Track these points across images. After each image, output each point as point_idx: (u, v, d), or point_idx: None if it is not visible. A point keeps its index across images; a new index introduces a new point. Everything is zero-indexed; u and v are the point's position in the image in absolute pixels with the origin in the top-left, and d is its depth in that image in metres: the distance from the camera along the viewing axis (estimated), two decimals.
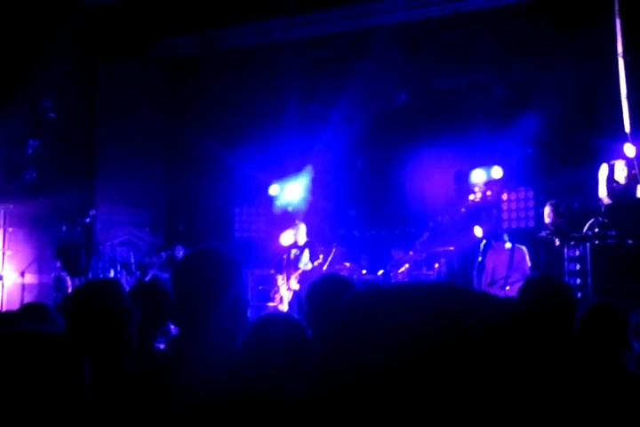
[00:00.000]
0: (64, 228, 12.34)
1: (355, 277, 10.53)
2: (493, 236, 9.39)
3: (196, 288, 2.08)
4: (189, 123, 13.90)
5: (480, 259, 9.20)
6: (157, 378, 2.07)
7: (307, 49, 13.32)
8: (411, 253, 11.18)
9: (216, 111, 13.97)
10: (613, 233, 7.95)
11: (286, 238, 11.22)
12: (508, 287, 8.52)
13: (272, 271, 11.35)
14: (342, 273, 9.68)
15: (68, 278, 11.40)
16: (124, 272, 12.25)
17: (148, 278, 11.42)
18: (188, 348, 2.06)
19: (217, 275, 2.10)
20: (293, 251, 10.69)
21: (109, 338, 2.47)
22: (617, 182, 8.56)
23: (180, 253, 11.69)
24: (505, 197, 11.41)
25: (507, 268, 8.89)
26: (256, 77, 13.43)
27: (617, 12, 9.77)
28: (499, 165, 11.27)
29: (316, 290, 3.31)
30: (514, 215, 11.30)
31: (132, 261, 12.66)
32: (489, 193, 11.41)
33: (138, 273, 12.22)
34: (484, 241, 9.42)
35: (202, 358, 1.98)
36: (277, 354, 2.25)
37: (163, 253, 12.24)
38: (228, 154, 12.98)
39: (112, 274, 12.13)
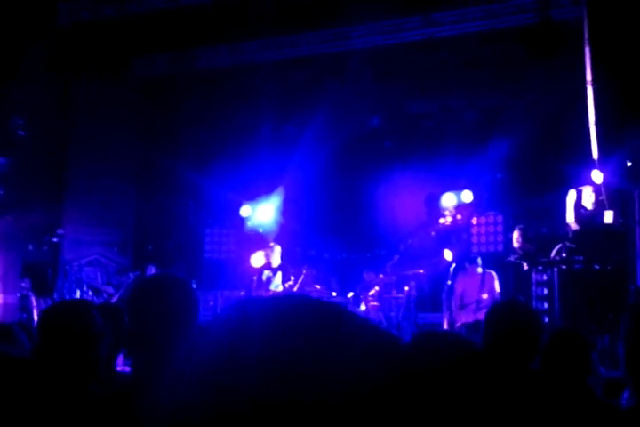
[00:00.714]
0: (30, 247, 12.14)
1: (325, 299, 10.45)
2: (467, 259, 9.41)
3: (153, 317, 2.02)
4: (161, 142, 13.82)
5: (449, 282, 9.21)
6: (124, 401, 2.03)
7: (281, 71, 13.36)
8: (381, 275, 11.17)
9: (188, 131, 13.92)
10: (580, 258, 8.04)
11: (257, 260, 11.15)
12: (480, 312, 8.52)
13: (242, 293, 11.26)
14: (312, 295, 9.63)
15: (34, 298, 11.18)
16: (91, 292, 12.05)
17: (115, 299, 11.24)
18: (148, 375, 2.01)
19: (175, 303, 2.05)
20: (266, 272, 10.62)
21: (79, 360, 2.42)
22: (584, 208, 8.66)
23: (152, 273, 11.48)
24: (474, 221, 11.48)
25: (478, 292, 8.90)
26: (230, 98, 13.43)
27: (586, 41, 9.94)
28: (469, 189, 11.36)
29: None
30: (483, 239, 11.36)
31: (100, 281, 12.47)
32: (459, 217, 11.48)
33: (105, 294, 12.02)
34: (454, 265, 9.44)
35: (164, 384, 1.93)
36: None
37: (131, 274, 12.07)
38: (199, 174, 12.89)
39: (78, 294, 11.91)
